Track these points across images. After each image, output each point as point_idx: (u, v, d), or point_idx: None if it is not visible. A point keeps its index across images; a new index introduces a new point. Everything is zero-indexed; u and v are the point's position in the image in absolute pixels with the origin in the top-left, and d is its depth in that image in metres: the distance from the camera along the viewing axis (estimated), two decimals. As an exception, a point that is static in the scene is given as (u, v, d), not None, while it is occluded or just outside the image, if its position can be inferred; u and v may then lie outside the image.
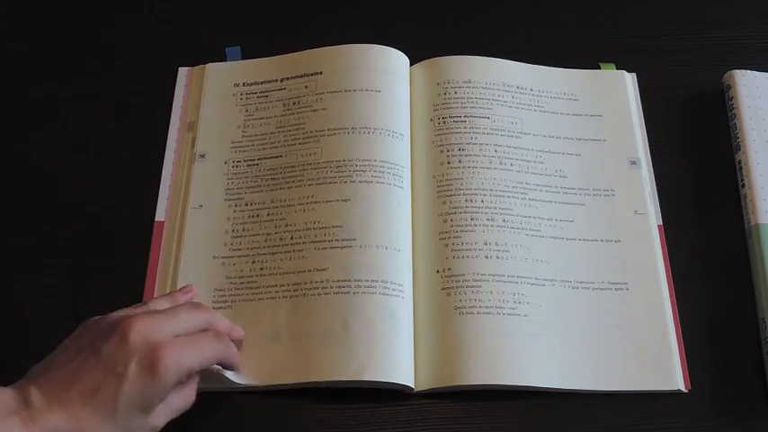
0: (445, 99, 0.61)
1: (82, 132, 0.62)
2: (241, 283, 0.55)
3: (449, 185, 0.58)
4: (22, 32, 0.68)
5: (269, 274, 0.55)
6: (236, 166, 0.59)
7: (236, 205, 0.58)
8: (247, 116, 0.62)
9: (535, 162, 0.60)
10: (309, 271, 0.54)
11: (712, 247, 0.58)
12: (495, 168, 0.58)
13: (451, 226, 0.56)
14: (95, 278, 0.56)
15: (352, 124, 0.58)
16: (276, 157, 0.59)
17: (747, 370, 0.54)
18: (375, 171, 0.56)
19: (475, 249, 0.55)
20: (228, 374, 0.50)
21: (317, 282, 0.53)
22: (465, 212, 0.56)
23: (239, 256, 0.56)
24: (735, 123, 0.62)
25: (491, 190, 0.57)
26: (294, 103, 0.61)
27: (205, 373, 0.48)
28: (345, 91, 0.60)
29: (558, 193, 0.59)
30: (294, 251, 0.55)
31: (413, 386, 0.51)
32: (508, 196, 0.57)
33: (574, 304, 0.54)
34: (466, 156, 0.59)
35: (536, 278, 0.55)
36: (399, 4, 0.69)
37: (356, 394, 0.51)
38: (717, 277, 0.57)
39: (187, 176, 0.59)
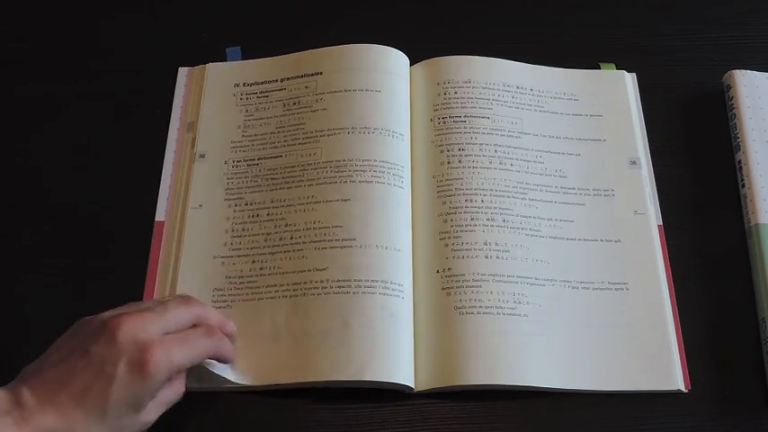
0: (445, 99, 0.61)
1: (82, 132, 0.62)
2: (241, 282, 0.55)
3: (449, 185, 0.58)
4: (22, 32, 0.68)
5: (269, 274, 0.55)
6: (236, 166, 0.59)
7: (236, 205, 0.58)
8: (247, 116, 0.62)
9: (535, 162, 0.60)
10: (309, 271, 0.54)
11: (712, 247, 0.58)
12: (495, 168, 0.58)
13: (451, 226, 0.56)
14: (95, 278, 0.56)
15: (353, 124, 0.58)
16: (276, 157, 0.59)
17: (747, 370, 0.54)
18: (375, 171, 0.56)
19: (475, 249, 0.55)
20: (228, 375, 0.50)
21: (316, 282, 0.53)
22: (465, 212, 0.56)
23: (239, 256, 0.56)
24: (735, 123, 0.62)
25: (491, 190, 0.57)
26: (294, 103, 0.61)
27: (201, 372, 0.48)
28: (345, 91, 0.60)
29: (558, 193, 0.59)
30: (294, 251, 0.55)
31: (413, 386, 0.51)
32: (508, 196, 0.57)
33: (574, 304, 0.54)
34: (466, 156, 0.59)
35: (536, 278, 0.55)
36: (399, 4, 0.69)
37: (356, 394, 0.51)
38: (717, 277, 0.57)
39: (187, 176, 0.59)
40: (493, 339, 0.52)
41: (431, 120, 0.61)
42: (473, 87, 0.62)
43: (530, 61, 0.65)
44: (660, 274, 0.56)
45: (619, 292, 0.55)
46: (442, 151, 0.59)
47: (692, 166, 0.62)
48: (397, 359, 0.51)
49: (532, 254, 0.56)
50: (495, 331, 0.52)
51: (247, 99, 0.62)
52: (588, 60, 0.66)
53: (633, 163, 0.60)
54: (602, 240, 0.57)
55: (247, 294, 0.54)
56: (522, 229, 0.56)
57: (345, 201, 0.55)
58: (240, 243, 0.56)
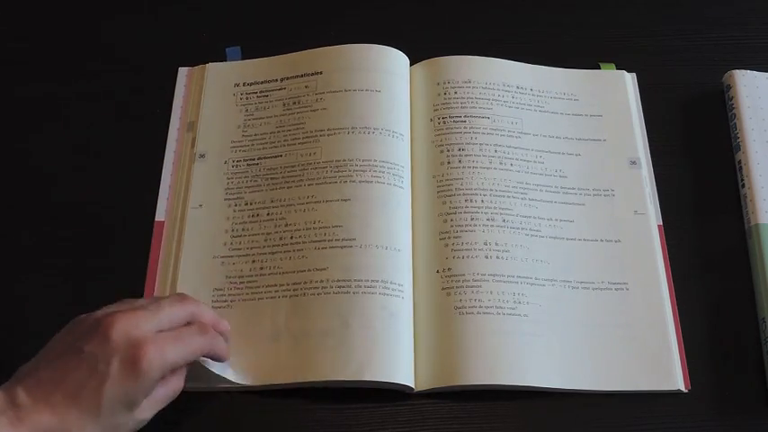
0: (445, 99, 0.61)
1: (82, 132, 0.62)
2: (241, 282, 0.55)
3: (449, 185, 0.58)
4: (22, 32, 0.68)
5: (269, 274, 0.55)
6: (236, 166, 0.59)
7: (235, 205, 0.58)
8: (247, 116, 0.62)
9: (535, 162, 0.60)
10: (309, 271, 0.54)
11: (712, 247, 0.58)
12: (495, 168, 0.58)
13: (451, 226, 0.56)
14: (95, 278, 0.56)
15: (353, 124, 0.58)
16: (276, 156, 0.59)
17: (747, 370, 0.54)
18: (375, 171, 0.56)
19: (475, 249, 0.55)
20: (228, 374, 0.50)
21: (316, 281, 0.53)
22: (465, 212, 0.56)
23: (239, 256, 0.56)
24: (735, 123, 0.62)
25: (491, 190, 0.57)
26: (294, 103, 0.61)
27: (201, 371, 0.48)
28: (345, 91, 0.60)
29: (558, 193, 0.59)
30: (294, 251, 0.55)
31: (413, 386, 0.51)
32: (508, 196, 0.57)
33: (574, 304, 0.54)
34: (466, 156, 0.59)
35: (536, 278, 0.55)
36: (399, 4, 0.69)
37: (356, 394, 0.51)
38: (717, 277, 0.57)
39: (187, 176, 0.59)
40: (493, 339, 0.52)
41: (431, 120, 0.61)
42: (473, 87, 0.62)
43: (530, 61, 0.65)
44: (660, 274, 0.56)
45: (619, 292, 0.55)
46: (441, 151, 0.59)
47: (692, 166, 0.62)
48: (397, 359, 0.51)
49: (532, 254, 0.56)
50: (495, 331, 0.52)
51: (247, 99, 0.62)
52: (588, 60, 0.66)
53: (633, 163, 0.60)
54: (602, 240, 0.57)
55: (247, 294, 0.54)
56: (522, 229, 0.56)
57: (345, 201, 0.55)
58: (240, 243, 0.56)
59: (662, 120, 0.64)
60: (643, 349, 0.53)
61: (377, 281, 0.53)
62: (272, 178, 0.58)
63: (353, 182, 0.56)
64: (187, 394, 0.49)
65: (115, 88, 0.64)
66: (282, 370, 0.51)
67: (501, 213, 0.57)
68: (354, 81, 0.60)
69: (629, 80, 0.65)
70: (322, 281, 0.53)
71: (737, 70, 0.64)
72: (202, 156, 0.60)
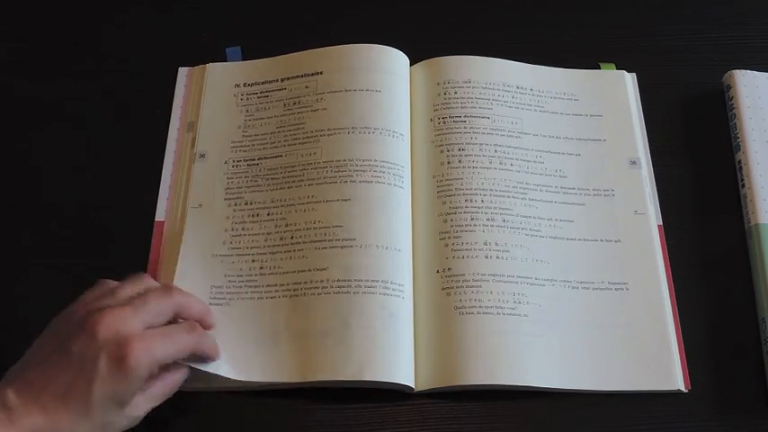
0: (445, 99, 0.61)
1: (82, 132, 0.62)
2: (240, 281, 0.55)
3: (449, 185, 0.58)
4: (22, 32, 0.68)
5: (269, 274, 0.55)
6: (236, 166, 0.59)
7: (235, 204, 0.58)
8: (248, 116, 0.62)
9: (535, 162, 0.60)
10: (309, 270, 0.54)
11: (712, 247, 0.58)
12: (495, 168, 0.58)
13: (451, 226, 0.56)
14: (95, 278, 0.56)
15: (353, 124, 0.58)
16: (276, 156, 0.59)
17: (747, 370, 0.54)
18: (375, 171, 0.56)
19: (475, 249, 0.55)
20: (228, 373, 0.50)
21: (316, 281, 0.53)
22: (465, 212, 0.56)
23: (238, 255, 0.56)
24: (735, 123, 0.62)
25: (491, 190, 0.57)
26: (294, 103, 0.61)
27: (200, 371, 0.48)
28: (346, 91, 0.60)
29: (558, 193, 0.59)
30: (294, 251, 0.55)
31: (413, 386, 0.51)
32: (508, 196, 0.57)
33: (574, 304, 0.54)
34: (466, 156, 0.59)
35: (536, 278, 0.55)
36: (399, 4, 0.69)
37: (356, 394, 0.51)
38: (717, 277, 0.57)
39: (187, 176, 0.59)
40: (493, 339, 0.52)
41: (431, 120, 0.61)
42: (473, 87, 0.62)
43: (530, 61, 0.65)
44: (660, 274, 0.56)
45: (619, 292, 0.55)
46: (441, 151, 0.59)
47: (692, 166, 0.62)
48: (397, 359, 0.51)
49: (532, 254, 0.56)
50: (495, 331, 0.52)
51: (248, 99, 0.62)
52: (588, 60, 0.66)
53: (633, 163, 0.60)
54: (602, 240, 0.57)
55: (246, 293, 0.54)
56: (522, 229, 0.56)
57: (345, 201, 0.55)
58: (240, 242, 0.56)
59: (662, 120, 0.64)
60: (643, 349, 0.53)
61: (377, 281, 0.53)
62: (272, 178, 0.58)
63: (354, 182, 0.56)
64: (187, 394, 0.49)
65: (115, 88, 0.64)
66: (282, 370, 0.51)
67: (501, 213, 0.57)
68: (354, 81, 0.60)
69: (629, 80, 0.65)
70: (322, 281, 0.53)
71: (737, 70, 0.64)
72: (202, 156, 0.60)
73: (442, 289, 0.54)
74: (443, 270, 0.55)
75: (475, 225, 0.56)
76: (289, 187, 0.57)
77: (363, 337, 0.51)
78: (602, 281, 0.55)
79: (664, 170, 0.61)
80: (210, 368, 0.49)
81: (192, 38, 0.67)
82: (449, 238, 0.56)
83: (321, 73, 0.62)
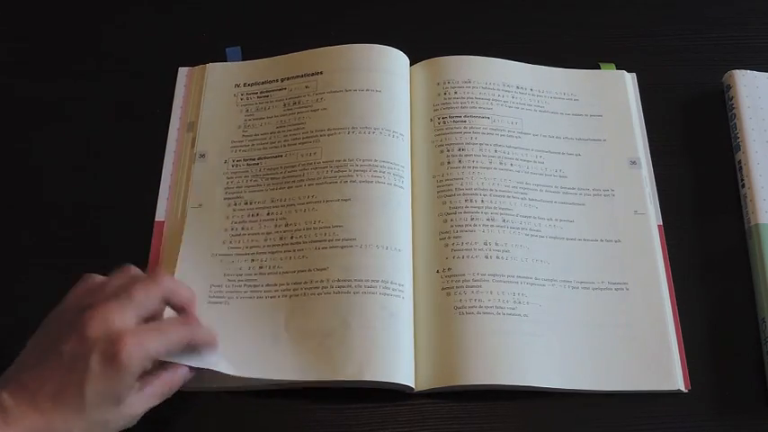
0: (445, 99, 0.61)
1: (82, 132, 0.62)
2: (239, 280, 0.54)
3: (449, 185, 0.58)
4: (22, 32, 0.68)
5: (268, 273, 0.55)
6: (236, 166, 0.59)
7: (235, 204, 0.58)
8: (248, 116, 0.62)
9: (535, 162, 0.60)
10: (309, 270, 0.54)
11: (712, 247, 0.58)
12: (495, 168, 0.58)
13: (451, 226, 0.56)
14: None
15: (353, 124, 0.58)
16: (276, 156, 0.59)
17: (747, 370, 0.54)
18: (375, 171, 0.56)
19: (475, 249, 0.55)
20: (221, 367, 0.49)
21: (316, 281, 0.53)
22: (465, 212, 0.56)
23: (238, 255, 0.56)
24: (735, 123, 0.62)
25: (491, 190, 0.57)
26: (294, 103, 0.61)
27: (201, 371, 0.48)
28: (346, 91, 0.60)
29: (558, 193, 0.59)
30: (294, 251, 0.55)
31: (413, 386, 0.51)
32: (508, 196, 0.57)
33: (574, 304, 0.54)
34: (466, 156, 0.59)
35: (536, 278, 0.55)
36: (399, 4, 0.69)
37: (356, 394, 0.51)
38: (717, 277, 0.57)
39: (187, 176, 0.59)
40: (493, 339, 0.52)
41: (431, 120, 0.61)
42: (473, 87, 0.62)
43: (530, 61, 0.65)
44: (660, 274, 0.56)
45: (619, 292, 0.55)
46: (441, 151, 0.59)
47: (692, 166, 0.62)
48: (397, 359, 0.51)
49: (532, 254, 0.56)
50: (495, 331, 0.52)
51: (248, 99, 0.62)
52: (588, 60, 0.66)
53: (633, 163, 0.60)
54: (601, 240, 0.57)
55: (246, 292, 0.54)
56: (522, 229, 0.56)
57: (345, 201, 0.55)
58: (239, 242, 0.56)
59: (662, 120, 0.64)
60: (643, 349, 0.53)
61: (377, 281, 0.53)
62: (272, 178, 0.58)
63: (354, 182, 0.56)
64: (186, 394, 0.49)
65: (115, 88, 0.64)
66: (282, 370, 0.51)
67: (501, 213, 0.57)
68: (354, 81, 0.60)
69: (629, 80, 0.65)
70: (322, 281, 0.53)
71: (737, 70, 0.64)
72: (202, 156, 0.60)
73: (442, 289, 0.54)
74: (443, 270, 0.55)
75: (475, 225, 0.56)
76: (289, 187, 0.57)
77: (363, 337, 0.51)
78: (602, 281, 0.55)
79: (664, 170, 0.61)
80: (209, 365, 0.49)
81: (192, 38, 0.67)
82: (449, 238, 0.56)
83: (321, 73, 0.62)
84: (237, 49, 0.66)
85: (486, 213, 0.56)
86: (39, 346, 0.43)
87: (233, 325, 0.53)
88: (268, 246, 0.56)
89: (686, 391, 0.52)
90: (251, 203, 0.58)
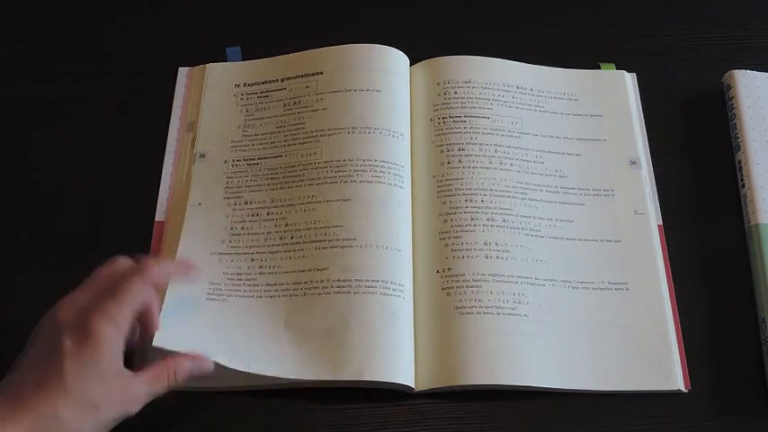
0: (445, 99, 0.61)
1: (82, 132, 0.62)
2: (239, 279, 0.54)
3: (449, 185, 0.58)
4: (23, 32, 0.68)
5: (268, 273, 0.54)
6: (236, 165, 0.59)
7: (234, 203, 0.58)
8: (248, 116, 0.62)
9: (535, 162, 0.60)
10: (309, 270, 0.54)
11: (712, 247, 0.58)
12: (495, 168, 0.58)
13: (451, 226, 0.56)
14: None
15: (353, 124, 0.58)
16: (276, 156, 0.59)
17: (747, 370, 0.54)
18: (375, 171, 0.56)
19: (475, 249, 0.55)
20: (222, 360, 0.49)
21: (317, 281, 0.53)
22: (465, 212, 0.56)
23: (237, 254, 0.55)
24: (735, 123, 0.62)
25: (491, 190, 0.57)
26: (294, 103, 0.61)
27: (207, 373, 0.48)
28: (346, 91, 0.60)
29: (558, 193, 0.59)
30: (294, 250, 0.55)
31: (413, 386, 0.51)
32: (508, 196, 0.57)
33: (574, 304, 0.54)
34: (466, 156, 0.59)
35: (536, 278, 0.55)
36: (399, 4, 0.69)
37: (356, 394, 0.51)
38: (717, 277, 0.57)
39: (187, 176, 0.59)
40: (493, 339, 0.52)
41: (431, 120, 0.61)
42: (473, 87, 0.62)
43: (530, 61, 0.65)
44: (660, 274, 0.56)
45: (619, 292, 0.55)
46: (442, 151, 0.59)
47: (692, 166, 0.62)
48: (397, 359, 0.51)
49: (532, 254, 0.56)
50: (495, 331, 0.52)
51: (248, 99, 0.62)
52: (588, 60, 0.66)
53: (633, 163, 0.60)
54: (602, 240, 0.57)
55: (246, 292, 0.54)
56: (522, 229, 0.56)
57: (346, 201, 0.55)
58: (239, 241, 0.56)
59: (662, 120, 0.64)
60: (643, 349, 0.53)
61: (377, 281, 0.53)
62: (272, 178, 0.58)
63: (354, 182, 0.56)
64: (186, 394, 0.49)
65: (115, 88, 0.64)
66: (282, 370, 0.51)
67: (501, 213, 0.57)
68: (355, 81, 0.60)
69: (629, 80, 0.65)
70: (322, 281, 0.53)
71: (737, 70, 0.64)
72: (202, 155, 0.60)
73: (442, 289, 0.54)
74: (443, 270, 0.55)
75: (475, 225, 0.56)
76: (289, 187, 0.57)
77: (363, 337, 0.51)
78: (603, 281, 0.55)
79: (664, 170, 0.61)
80: (210, 355, 0.48)
81: (192, 38, 0.67)
82: (449, 238, 0.56)
83: (321, 73, 0.62)
84: (237, 49, 0.66)
85: (486, 213, 0.56)
86: (25, 355, 0.43)
87: (231, 322, 0.52)
88: (268, 245, 0.56)
89: (686, 391, 0.52)
90: (251, 203, 0.58)
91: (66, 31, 0.68)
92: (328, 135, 0.59)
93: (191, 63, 0.65)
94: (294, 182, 0.58)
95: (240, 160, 0.59)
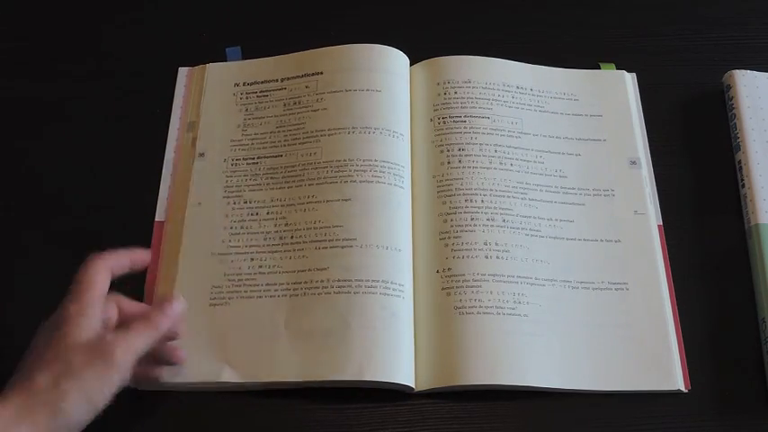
0: (445, 99, 0.61)
1: (82, 132, 0.62)
2: (239, 280, 0.54)
3: (449, 185, 0.58)
4: (22, 32, 0.68)
5: (268, 273, 0.54)
6: (236, 164, 0.59)
7: (234, 203, 0.58)
8: (247, 115, 0.62)
9: (535, 162, 0.60)
10: (310, 270, 0.54)
11: (712, 247, 0.58)
12: (495, 168, 0.58)
13: (451, 226, 0.56)
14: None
15: (353, 124, 0.58)
16: (276, 156, 0.59)
17: (747, 370, 0.54)
18: (375, 171, 0.56)
19: (475, 249, 0.55)
20: (225, 376, 0.50)
21: (317, 281, 0.53)
22: (465, 212, 0.56)
23: (237, 254, 0.55)
24: (735, 123, 0.62)
25: (491, 190, 0.57)
26: (294, 103, 0.61)
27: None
28: (346, 91, 0.60)
29: (558, 193, 0.59)
30: (294, 250, 0.55)
31: (413, 386, 0.51)
32: (508, 196, 0.57)
33: (574, 304, 0.54)
34: (466, 156, 0.59)
35: (536, 278, 0.55)
36: (399, 4, 0.69)
37: (356, 394, 0.51)
38: (717, 277, 0.57)
39: (187, 176, 0.59)
40: (493, 339, 0.52)
41: (431, 120, 0.61)
42: (473, 87, 0.62)
43: (530, 61, 0.65)
44: (660, 274, 0.56)
45: (619, 292, 0.55)
46: (441, 151, 0.59)
47: (692, 166, 0.62)
48: (397, 359, 0.51)
49: (532, 254, 0.56)
50: (495, 331, 0.52)
51: (247, 98, 0.62)
52: (588, 60, 0.66)
53: (633, 163, 0.60)
54: (602, 240, 0.57)
55: (246, 292, 0.54)
56: (522, 229, 0.56)
57: (346, 200, 0.55)
58: (239, 241, 0.56)
59: (662, 120, 0.64)
60: (643, 349, 0.53)
61: (377, 281, 0.53)
62: (272, 177, 0.58)
63: (354, 182, 0.56)
64: (186, 394, 0.49)
65: (115, 88, 0.64)
66: (282, 370, 0.51)
67: (501, 213, 0.57)
68: (355, 81, 0.60)
69: (629, 80, 0.65)
70: (322, 281, 0.53)
71: (737, 70, 0.64)
72: (202, 155, 0.60)
73: (442, 289, 0.54)
74: (443, 270, 0.55)
75: (475, 225, 0.56)
76: (289, 187, 0.57)
77: (363, 337, 0.51)
78: (602, 281, 0.55)
79: (664, 170, 0.61)
80: (212, 375, 0.49)
81: (192, 38, 0.67)
82: (449, 238, 0.56)
83: (321, 73, 0.62)
84: (237, 48, 0.66)
85: (486, 213, 0.56)
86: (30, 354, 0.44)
87: (233, 325, 0.53)
88: (268, 245, 0.56)
89: (686, 391, 0.52)
90: (250, 202, 0.58)
91: (66, 31, 0.68)
92: (328, 135, 0.59)
93: (191, 63, 0.65)
94: (294, 181, 0.58)
95: (240, 160, 0.59)
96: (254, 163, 0.59)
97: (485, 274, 0.54)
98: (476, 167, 0.58)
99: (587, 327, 0.54)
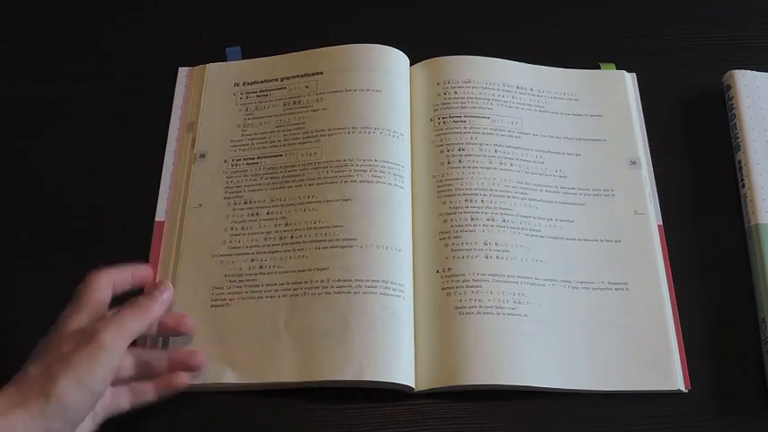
0: (445, 99, 0.61)
1: (82, 132, 0.62)
2: (240, 281, 0.54)
3: (449, 185, 0.58)
4: (22, 32, 0.68)
5: (268, 273, 0.54)
6: (236, 165, 0.59)
7: (234, 203, 0.58)
8: (247, 115, 0.62)
9: (535, 162, 0.60)
10: (310, 270, 0.54)
11: (712, 247, 0.58)
12: (495, 168, 0.58)
13: (451, 226, 0.56)
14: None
15: (353, 124, 0.58)
16: (276, 156, 0.59)
17: (747, 370, 0.54)
18: (375, 171, 0.56)
19: (475, 249, 0.55)
20: (226, 378, 0.50)
21: (317, 281, 0.53)
22: (465, 212, 0.56)
23: (238, 254, 0.55)
24: (735, 123, 0.62)
25: (491, 190, 0.57)
26: (294, 103, 0.61)
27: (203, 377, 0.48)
28: (346, 91, 0.60)
29: (558, 193, 0.59)
30: (294, 250, 0.55)
31: (413, 386, 0.51)
32: (508, 196, 0.57)
33: (574, 304, 0.54)
34: (466, 156, 0.59)
35: (536, 278, 0.55)
36: (399, 4, 0.69)
37: (356, 394, 0.51)
38: (717, 277, 0.57)
39: (187, 176, 0.59)
40: (493, 339, 0.52)
41: (431, 120, 0.61)
42: (473, 87, 0.62)
43: (530, 61, 0.65)
44: (660, 274, 0.56)
45: (619, 292, 0.55)
46: (441, 151, 0.59)
47: (692, 166, 0.62)
48: (397, 359, 0.51)
49: (532, 254, 0.56)
50: (495, 331, 0.52)
51: (247, 98, 0.62)
52: (588, 60, 0.66)
53: (633, 163, 0.60)
54: (601, 240, 0.57)
55: (247, 293, 0.54)
56: (522, 229, 0.56)
57: (346, 200, 0.55)
58: (239, 241, 0.56)
59: (662, 120, 0.64)
60: (643, 349, 0.53)
61: (377, 281, 0.53)
62: (272, 177, 0.58)
63: (354, 182, 0.56)
64: (186, 394, 0.49)
65: (115, 88, 0.64)
66: (282, 370, 0.51)
67: (501, 213, 0.57)
68: (355, 81, 0.60)
69: (629, 80, 0.65)
70: (322, 281, 0.53)
71: (737, 70, 0.64)
72: (202, 155, 0.60)
73: (442, 289, 0.54)
74: (443, 270, 0.55)
75: (475, 225, 0.56)
76: (289, 187, 0.57)
77: (363, 337, 0.51)
78: (602, 281, 0.55)
79: (664, 170, 0.61)
80: (214, 377, 0.49)
81: (192, 38, 0.67)
82: (449, 238, 0.56)
83: (321, 73, 0.62)
84: (237, 48, 0.66)
85: (486, 213, 0.56)
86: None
87: (234, 326, 0.53)
88: (268, 245, 0.56)
89: (686, 391, 0.52)
90: (250, 202, 0.58)
91: (66, 31, 0.68)
92: (328, 135, 0.59)
93: (191, 63, 0.65)
94: (294, 181, 0.58)
95: (240, 159, 0.59)
96: (254, 163, 0.59)
97: (485, 274, 0.54)
98: (476, 167, 0.58)
99: (587, 327, 0.54)
